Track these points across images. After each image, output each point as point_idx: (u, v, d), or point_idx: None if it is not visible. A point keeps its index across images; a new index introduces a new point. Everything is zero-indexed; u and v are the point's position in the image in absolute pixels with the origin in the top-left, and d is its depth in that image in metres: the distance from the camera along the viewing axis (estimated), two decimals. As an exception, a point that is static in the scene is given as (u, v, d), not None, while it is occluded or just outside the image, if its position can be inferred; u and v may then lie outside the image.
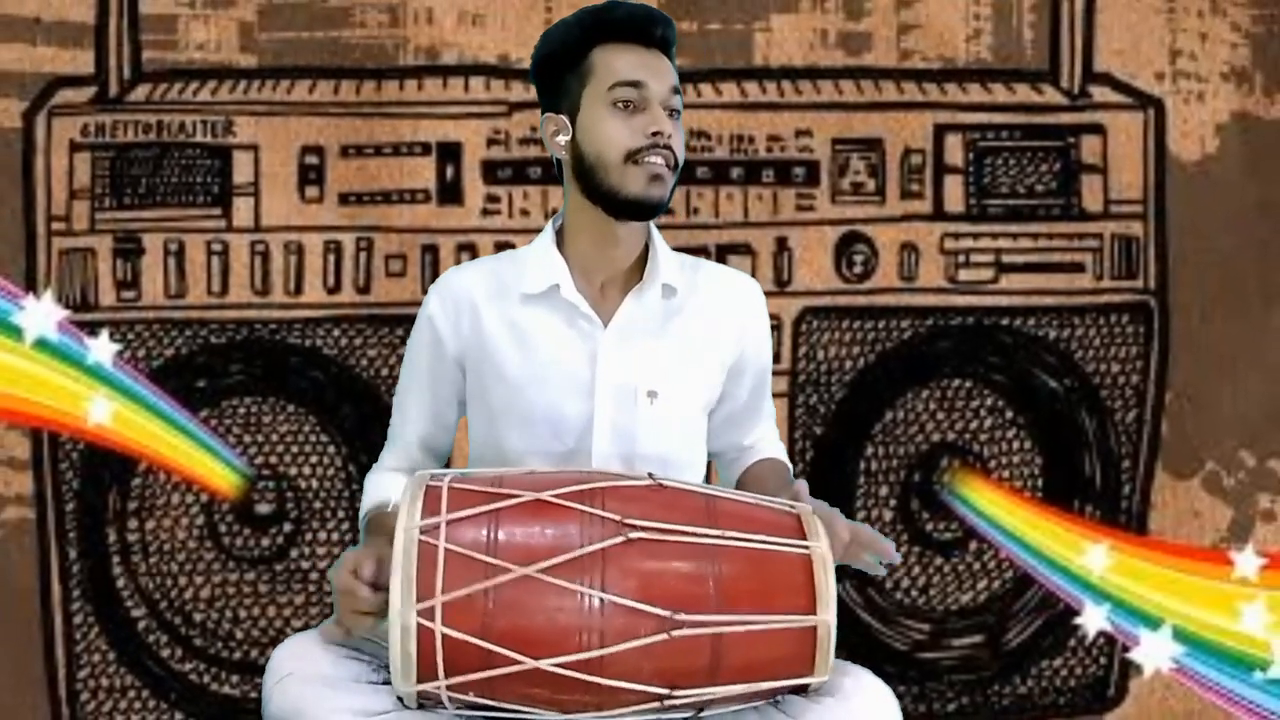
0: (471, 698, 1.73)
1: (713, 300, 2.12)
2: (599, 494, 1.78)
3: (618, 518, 1.74)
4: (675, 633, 1.69)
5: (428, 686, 1.72)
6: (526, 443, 2.05)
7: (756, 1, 2.95)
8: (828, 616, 1.73)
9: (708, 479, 2.17)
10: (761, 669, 1.74)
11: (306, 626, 2.84)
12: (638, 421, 2.04)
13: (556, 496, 1.77)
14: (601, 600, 1.70)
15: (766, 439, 2.24)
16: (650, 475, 1.85)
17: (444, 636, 1.69)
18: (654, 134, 1.98)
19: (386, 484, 2.12)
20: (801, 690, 1.80)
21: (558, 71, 2.05)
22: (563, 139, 2.04)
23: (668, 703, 1.71)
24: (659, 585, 1.72)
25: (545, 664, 1.69)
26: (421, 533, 1.73)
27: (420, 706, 1.78)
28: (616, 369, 2.04)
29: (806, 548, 1.77)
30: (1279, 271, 3.00)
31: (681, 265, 2.13)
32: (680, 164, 2.01)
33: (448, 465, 2.18)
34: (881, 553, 1.92)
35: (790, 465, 2.23)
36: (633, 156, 1.98)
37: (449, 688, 1.71)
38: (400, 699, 1.77)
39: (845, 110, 2.95)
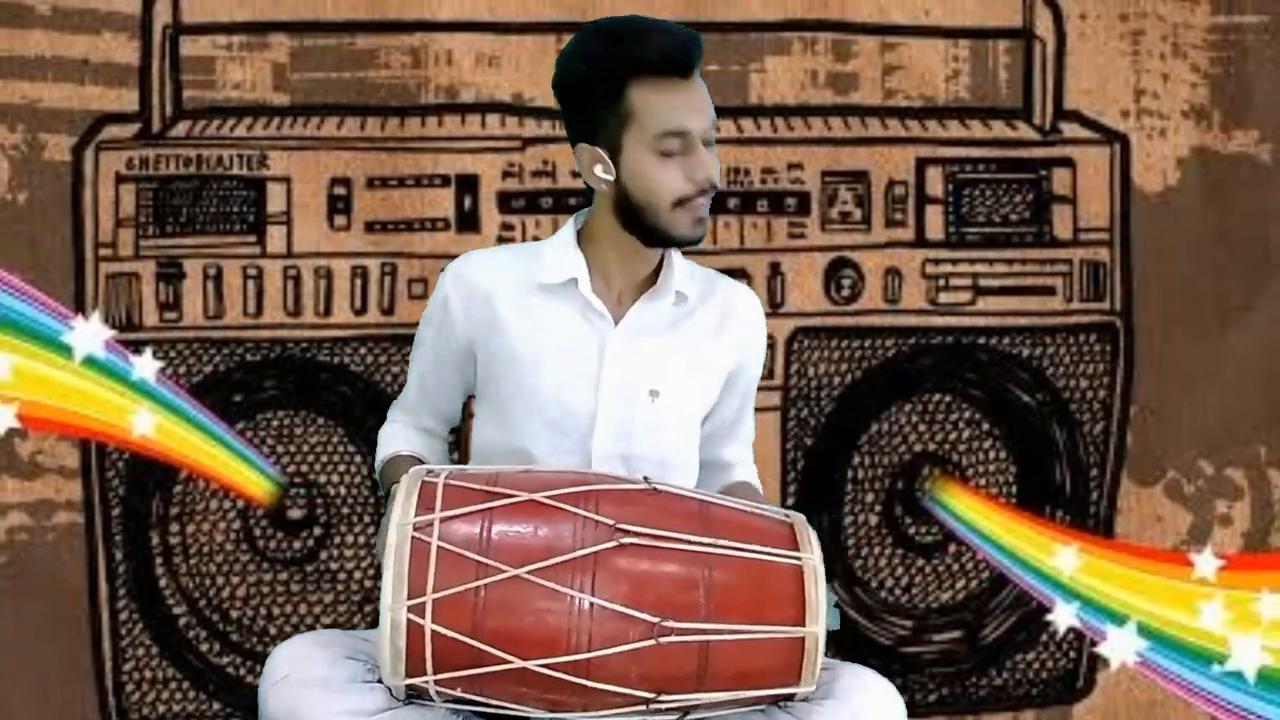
0: (459, 693, 1.68)
1: (719, 309, 2.07)
2: (593, 496, 1.72)
3: (611, 522, 1.68)
4: (663, 639, 1.64)
5: (416, 681, 1.67)
6: (528, 430, 1.98)
7: (751, 44, 2.93)
8: (816, 628, 1.67)
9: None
10: (748, 678, 1.69)
11: (335, 624, 2.88)
12: (637, 419, 1.98)
13: (550, 498, 1.71)
14: (591, 604, 1.64)
15: (745, 461, 2.18)
16: (646, 479, 1.79)
17: (434, 633, 1.64)
18: (704, 182, 1.92)
19: (395, 435, 2.14)
20: (788, 699, 1.74)
21: (590, 103, 1.95)
22: (605, 174, 1.95)
23: (653, 706, 1.67)
24: (649, 591, 1.66)
25: (533, 665, 1.64)
26: (415, 529, 1.67)
27: (409, 699, 1.73)
28: (623, 366, 1.98)
29: (798, 559, 1.71)
30: (1236, 295, 2.99)
31: (693, 273, 2.08)
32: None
33: (455, 438, 2.16)
34: None
35: (761, 490, 2.16)
36: (679, 203, 1.92)
37: (437, 683, 1.67)
38: (390, 690, 1.72)
39: (834, 145, 2.94)
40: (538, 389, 1.98)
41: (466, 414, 2.16)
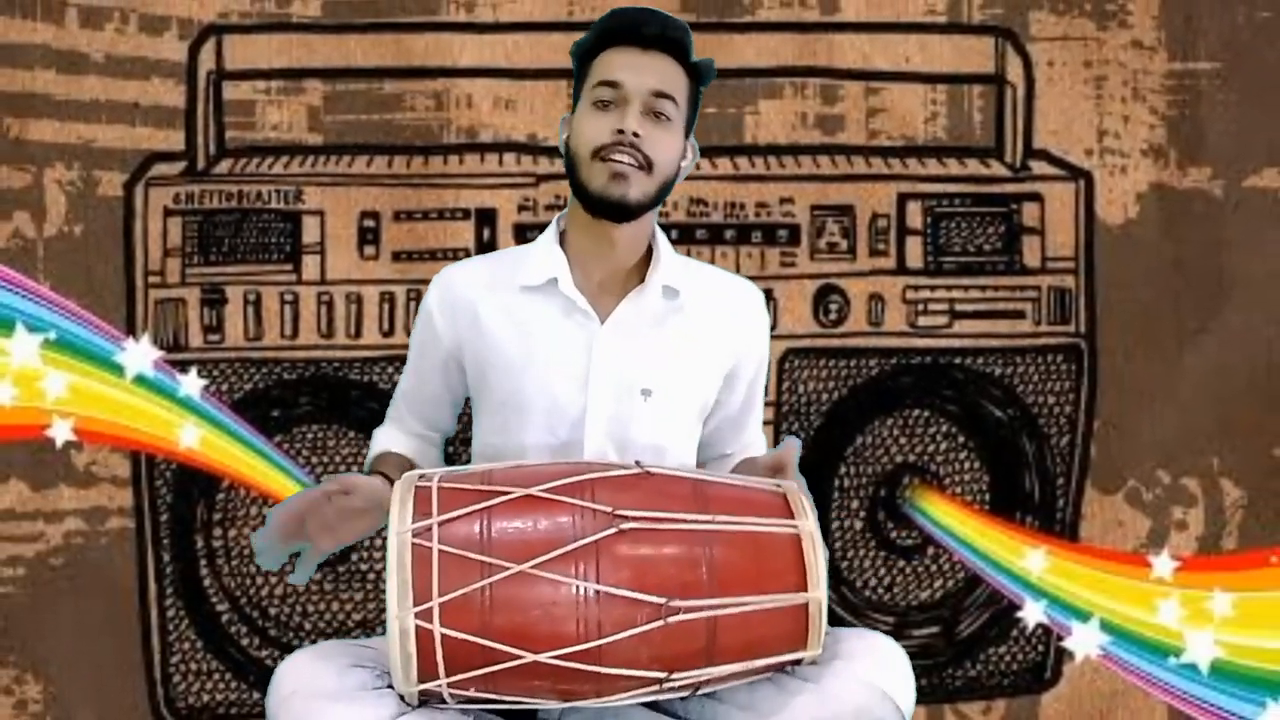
0: (473, 692, 1.60)
1: (713, 304, 1.95)
2: (588, 485, 1.64)
3: (609, 509, 1.60)
4: (671, 619, 1.57)
5: (429, 685, 1.58)
6: (522, 434, 1.89)
7: (746, 89, 2.96)
8: (818, 593, 1.61)
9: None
10: (756, 647, 1.62)
11: (364, 620, 2.91)
12: (632, 418, 1.88)
13: (546, 491, 1.63)
14: (597, 591, 1.57)
15: (750, 449, 2.06)
16: (638, 463, 1.70)
17: (443, 637, 1.55)
18: (617, 131, 1.81)
19: (387, 437, 2.05)
20: (796, 664, 1.68)
21: (576, 81, 1.92)
22: (563, 137, 1.90)
23: (665, 686, 1.60)
24: (653, 573, 1.59)
25: (544, 657, 1.56)
26: (414, 535, 1.58)
27: (423, 703, 1.63)
28: (612, 364, 1.88)
29: (795, 526, 1.64)
30: (1191, 319, 3.01)
31: (686, 268, 1.96)
32: (656, 165, 1.83)
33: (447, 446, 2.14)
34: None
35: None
36: (599, 153, 1.82)
37: (450, 685, 1.58)
38: (402, 697, 1.62)
39: (822, 181, 2.95)
40: (525, 391, 1.89)
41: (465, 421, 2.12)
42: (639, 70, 1.84)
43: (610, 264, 1.91)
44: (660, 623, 1.57)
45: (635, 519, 1.60)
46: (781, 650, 1.64)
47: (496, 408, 1.93)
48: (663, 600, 1.57)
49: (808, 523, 1.64)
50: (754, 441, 2.08)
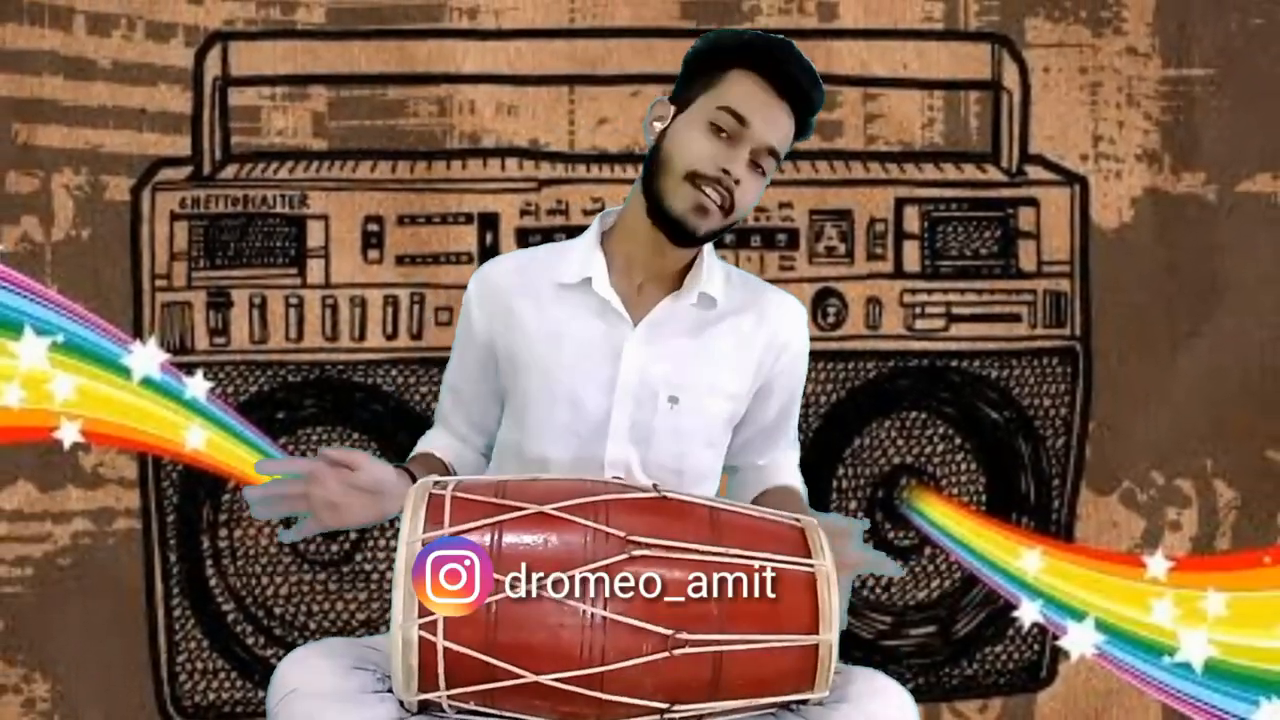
0: (473, 706, 1.59)
1: (753, 317, 1.92)
2: (603, 507, 1.61)
3: (622, 533, 1.57)
4: (677, 651, 1.54)
5: (429, 696, 1.57)
6: (545, 434, 1.86)
7: None
8: (830, 636, 1.57)
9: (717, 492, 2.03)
10: (762, 685, 1.59)
11: (369, 619, 2.91)
12: (655, 425, 1.85)
13: (560, 509, 1.59)
14: (604, 617, 1.54)
15: (783, 465, 2.03)
16: (655, 487, 1.67)
17: (446, 650, 1.53)
18: (724, 170, 1.77)
19: (429, 438, 2.03)
20: (800, 703, 1.65)
21: (696, 69, 1.85)
22: (659, 126, 1.84)
23: (667, 716, 1.57)
24: (661, 603, 1.56)
25: (546, 679, 1.54)
26: (424, 545, 1.55)
27: (422, 710, 1.62)
28: (639, 368, 1.85)
29: (811, 565, 1.60)
30: (1184, 322, 3.02)
31: (728, 278, 1.93)
32: (735, 210, 1.80)
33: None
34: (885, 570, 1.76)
35: (804, 494, 2.02)
36: (693, 178, 1.78)
37: (450, 697, 1.57)
38: (402, 703, 1.60)
39: (820, 186, 2.96)
40: (551, 390, 1.86)
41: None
42: (770, 120, 1.81)
43: (653, 270, 1.89)
44: (665, 654, 1.55)
45: (648, 546, 1.58)
46: (787, 690, 1.61)
47: (520, 404, 1.91)
48: (670, 631, 1.55)
49: (825, 562, 1.59)
50: (788, 453, 2.06)
